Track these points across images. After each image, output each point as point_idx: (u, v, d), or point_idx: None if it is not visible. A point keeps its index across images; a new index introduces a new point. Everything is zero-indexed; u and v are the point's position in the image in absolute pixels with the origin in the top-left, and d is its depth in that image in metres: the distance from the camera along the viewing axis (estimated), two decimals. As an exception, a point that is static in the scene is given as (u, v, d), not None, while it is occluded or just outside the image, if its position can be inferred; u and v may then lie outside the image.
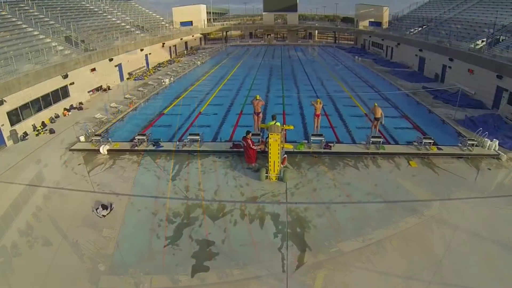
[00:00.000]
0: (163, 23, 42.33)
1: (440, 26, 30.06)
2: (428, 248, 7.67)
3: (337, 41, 51.12)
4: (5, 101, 13.82)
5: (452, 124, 15.85)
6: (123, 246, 7.91)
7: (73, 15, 28.18)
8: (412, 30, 33.47)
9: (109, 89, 23.05)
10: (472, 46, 23.22)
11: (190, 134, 12.74)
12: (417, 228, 8.36)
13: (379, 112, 12.40)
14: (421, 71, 28.34)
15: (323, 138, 12.02)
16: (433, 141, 12.34)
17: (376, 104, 12.68)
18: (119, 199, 9.80)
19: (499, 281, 6.85)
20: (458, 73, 22.57)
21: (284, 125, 10.57)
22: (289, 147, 11.34)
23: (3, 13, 21.44)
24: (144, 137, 12.88)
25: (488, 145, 12.79)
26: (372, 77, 27.19)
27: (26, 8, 24.09)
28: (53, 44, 20.61)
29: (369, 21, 44.36)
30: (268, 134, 10.08)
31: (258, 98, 12.72)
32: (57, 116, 17.15)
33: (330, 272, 6.98)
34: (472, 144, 12.58)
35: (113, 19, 33.00)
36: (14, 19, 21.49)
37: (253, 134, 12.40)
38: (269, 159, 10.16)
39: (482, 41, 23.30)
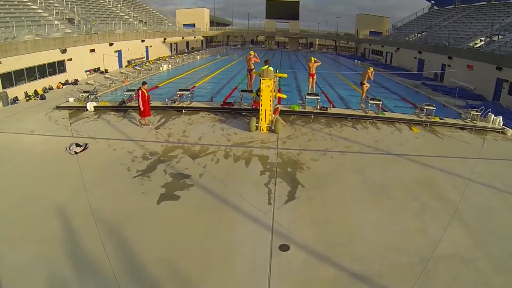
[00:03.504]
0: (166, 21, 43.02)
1: (439, 31, 30.51)
2: (441, 194, 6.75)
3: (337, 50, 52.01)
4: (0, 62, 13.39)
5: (454, 108, 15.31)
6: (88, 174, 7.01)
7: (78, 2, 28.47)
8: (411, 36, 33.99)
9: (106, 72, 22.72)
10: (471, 45, 23.33)
11: (180, 90, 12.04)
12: (426, 177, 7.47)
13: (365, 78, 11.64)
14: (421, 72, 28.31)
15: (318, 98, 11.31)
16: (435, 108, 11.69)
17: (371, 69, 11.93)
18: (96, 141, 9.00)
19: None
20: (458, 69, 22.44)
21: (277, 72, 9.92)
22: (283, 96, 10.62)
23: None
24: (132, 93, 12.19)
25: (492, 119, 12.17)
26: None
27: (33, -13, 24.21)
28: (56, 23, 20.56)
29: (370, 31, 45.26)
30: (260, 81, 9.39)
31: (252, 54, 12.09)
32: (51, 88, 16.72)
33: (329, 209, 6.02)
34: (475, 115, 11.95)
35: (117, 11, 33.39)
36: (19, -4, 21.49)
37: (244, 91, 11.78)
38: (260, 107, 9.41)
39: (481, 40, 23.44)
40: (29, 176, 7.03)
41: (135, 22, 33.20)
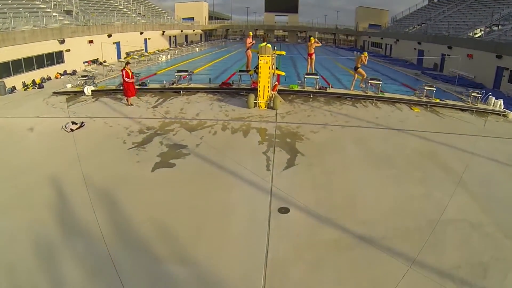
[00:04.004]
0: (165, 15, 42.73)
1: (439, 22, 30.39)
2: (444, 165, 6.59)
3: (336, 43, 51.92)
4: None
5: (454, 93, 15.19)
6: (83, 148, 6.87)
7: (76, -5, 28.18)
8: (411, 28, 33.87)
9: (105, 62, 22.58)
10: (471, 35, 23.21)
11: (178, 71, 11.87)
12: (428, 149, 7.31)
13: (359, 62, 11.24)
14: (420, 63, 28.20)
15: (317, 77, 11.13)
16: (435, 89, 11.57)
17: (365, 54, 11.48)
18: (93, 120, 8.82)
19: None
20: (458, 59, 22.32)
21: (275, 50, 9.76)
22: (281, 73, 10.48)
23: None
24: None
25: (493, 102, 12.05)
26: (370, 63, 26.86)
27: (30, -21, 23.99)
28: (54, 14, 20.38)
29: (369, 24, 45.06)
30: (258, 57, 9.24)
31: (250, 34, 11.96)
32: (49, 78, 16.55)
33: (330, 175, 5.89)
34: (476, 97, 11.85)
35: (115, 4, 33.08)
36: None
37: (242, 71, 11.66)
38: (259, 84, 9.25)
39: (481, 30, 23.32)
40: (23, 152, 6.87)
41: (134, 15, 32.91)
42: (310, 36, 13.98)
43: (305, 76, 11.33)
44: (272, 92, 9.41)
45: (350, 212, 4.92)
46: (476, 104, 11.76)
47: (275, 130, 7.73)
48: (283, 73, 11.05)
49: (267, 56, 9.06)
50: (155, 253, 4.03)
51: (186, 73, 11.67)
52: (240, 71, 11.66)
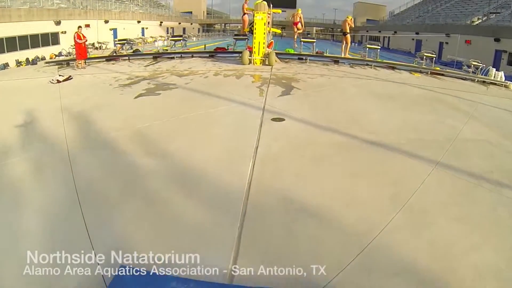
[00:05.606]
0: (163, 7, 42.69)
1: (436, 13, 30.49)
2: (452, 105, 6.24)
3: (334, 37, 52.15)
4: None
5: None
6: (66, 91, 6.50)
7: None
8: (409, 21, 33.98)
9: (100, 48, 22.34)
10: (469, 22, 23.24)
11: (172, 36, 11.57)
12: (433, 96, 6.91)
13: (346, 27, 10.65)
14: (418, 51, 28.18)
15: (314, 41, 10.79)
16: (435, 56, 11.32)
17: (350, 17, 10.94)
18: (81, 76, 8.40)
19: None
20: (455, 47, 22.29)
21: (271, 8, 9.49)
22: (277, 31, 10.19)
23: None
24: (124, 41, 11.80)
25: (494, 73, 11.82)
26: (369, 50, 26.80)
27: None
28: None
29: (367, 19, 45.24)
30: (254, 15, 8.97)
31: (247, 0, 11.70)
32: (43, 58, 16.21)
33: (329, 100, 5.55)
34: (477, 68, 11.62)
35: (113, -5, 32.93)
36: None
37: (237, 35, 11.37)
38: (254, 40, 8.95)
39: (478, 18, 23.38)
40: (4, 99, 6.47)
41: (131, 5, 32.77)
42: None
43: (302, 40, 11.01)
44: (267, 49, 9.10)
45: (355, 125, 4.44)
46: (477, 74, 11.53)
47: (270, 76, 7.40)
48: (279, 31, 10.73)
49: (263, 13, 8.79)
50: (121, 150, 3.66)
51: (181, 38, 11.39)
52: (235, 35, 11.36)
